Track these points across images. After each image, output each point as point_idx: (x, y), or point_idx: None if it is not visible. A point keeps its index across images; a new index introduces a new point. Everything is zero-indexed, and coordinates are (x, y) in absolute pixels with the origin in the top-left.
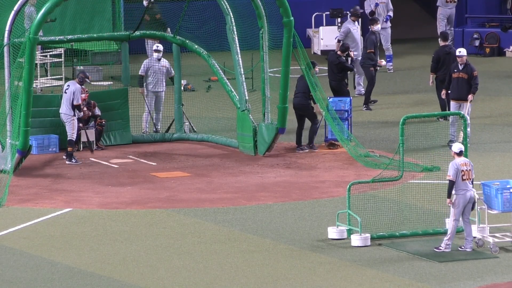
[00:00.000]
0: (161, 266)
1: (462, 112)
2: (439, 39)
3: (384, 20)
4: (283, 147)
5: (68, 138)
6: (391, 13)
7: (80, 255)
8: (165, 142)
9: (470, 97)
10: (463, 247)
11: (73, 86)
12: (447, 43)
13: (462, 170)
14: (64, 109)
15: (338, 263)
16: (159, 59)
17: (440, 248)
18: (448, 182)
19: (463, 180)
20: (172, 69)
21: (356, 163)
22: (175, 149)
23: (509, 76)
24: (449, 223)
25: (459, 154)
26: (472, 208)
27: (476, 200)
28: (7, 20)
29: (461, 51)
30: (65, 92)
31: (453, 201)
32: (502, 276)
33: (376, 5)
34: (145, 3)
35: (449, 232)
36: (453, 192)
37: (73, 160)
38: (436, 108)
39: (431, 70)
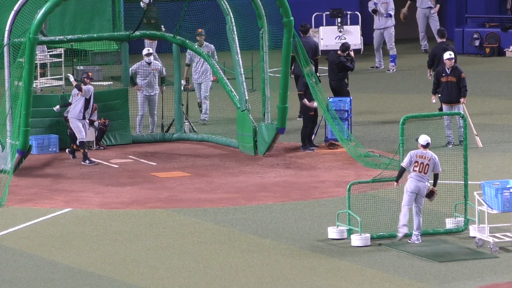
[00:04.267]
0: (161, 266)
1: (461, 112)
2: (436, 36)
3: (385, 15)
4: (283, 147)
5: (79, 140)
6: (391, 12)
7: (80, 255)
8: (165, 142)
9: (462, 100)
10: (410, 240)
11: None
12: (444, 40)
13: (416, 162)
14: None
15: (338, 263)
16: (150, 63)
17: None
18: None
19: (413, 170)
20: (164, 70)
21: (356, 163)
22: (175, 149)
23: (509, 76)
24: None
25: (426, 146)
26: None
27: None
28: (7, 20)
29: (451, 54)
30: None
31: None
32: (502, 276)
33: (375, 4)
34: (142, 4)
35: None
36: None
37: (87, 161)
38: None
39: (428, 66)
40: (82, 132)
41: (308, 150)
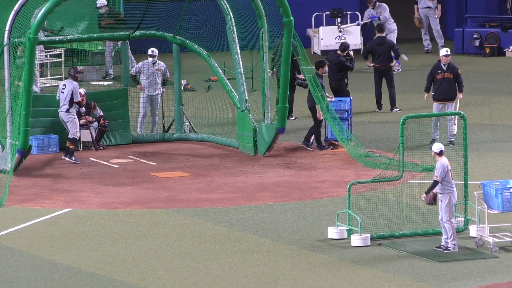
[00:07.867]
0: (161, 266)
1: (462, 112)
2: (376, 30)
3: (387, 22)
4: (283, 147)
5: (72, 136)
6: (386, 14)
7: (80, 255)
8: (165, 142)
9: (460, 95)
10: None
11: (70, 85)
12: (382, 35)
13: (450, 170)
14: (64, 108)
15: (338, 263)
16: (154, 63)
17: (449, 249)
18: (432, 182)
19: (452, 178)
20: (167, 72)
21: (356, 163)
22: (175, 149)
23: (509, 76)
24: (446, 224)
25: (440, 154)
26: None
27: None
28: (7, 20)
29: (448, 51)
30: (62, 92)
31: (443, 201)
32: (502, 276)
33: (373, 17)
34: (101, 10)
35: (451, 233)
36: (439, 191)
37: (72, 158)
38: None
39: (364, 57)
40: (78, 130)
41: (325, 149)
